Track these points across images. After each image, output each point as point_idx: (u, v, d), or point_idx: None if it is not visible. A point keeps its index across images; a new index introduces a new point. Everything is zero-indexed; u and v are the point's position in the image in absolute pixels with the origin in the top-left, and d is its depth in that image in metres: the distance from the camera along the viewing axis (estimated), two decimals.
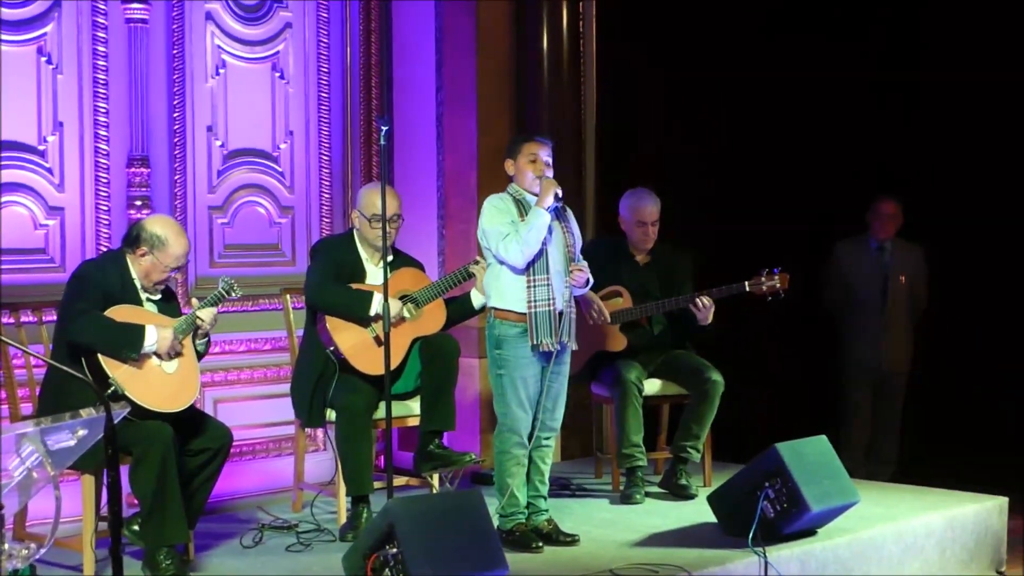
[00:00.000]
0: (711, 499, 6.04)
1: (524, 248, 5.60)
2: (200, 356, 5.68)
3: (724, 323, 6.74)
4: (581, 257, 5.83)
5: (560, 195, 5.69)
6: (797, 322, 8.22)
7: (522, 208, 5.72)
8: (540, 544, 5.74)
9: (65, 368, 3.71)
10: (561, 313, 5.69)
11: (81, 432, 3.32)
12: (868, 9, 8.25)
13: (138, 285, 5.50)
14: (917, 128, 8.31)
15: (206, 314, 5.53)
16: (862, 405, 8.12)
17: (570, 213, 5.89)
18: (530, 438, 5.78)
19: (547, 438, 5.85)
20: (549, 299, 5.65)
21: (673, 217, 6.98)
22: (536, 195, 5.72)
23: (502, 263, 5.70)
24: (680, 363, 6.84)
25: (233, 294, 5.59)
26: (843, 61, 8.25)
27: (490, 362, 5.80)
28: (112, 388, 5.16)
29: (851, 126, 8.39)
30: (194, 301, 5.65)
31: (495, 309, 5.75)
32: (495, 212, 5.72)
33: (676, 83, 8.27)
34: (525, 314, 5.66)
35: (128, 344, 5.29)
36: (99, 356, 5.26)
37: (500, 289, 5.74)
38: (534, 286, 5.65)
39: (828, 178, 8.33)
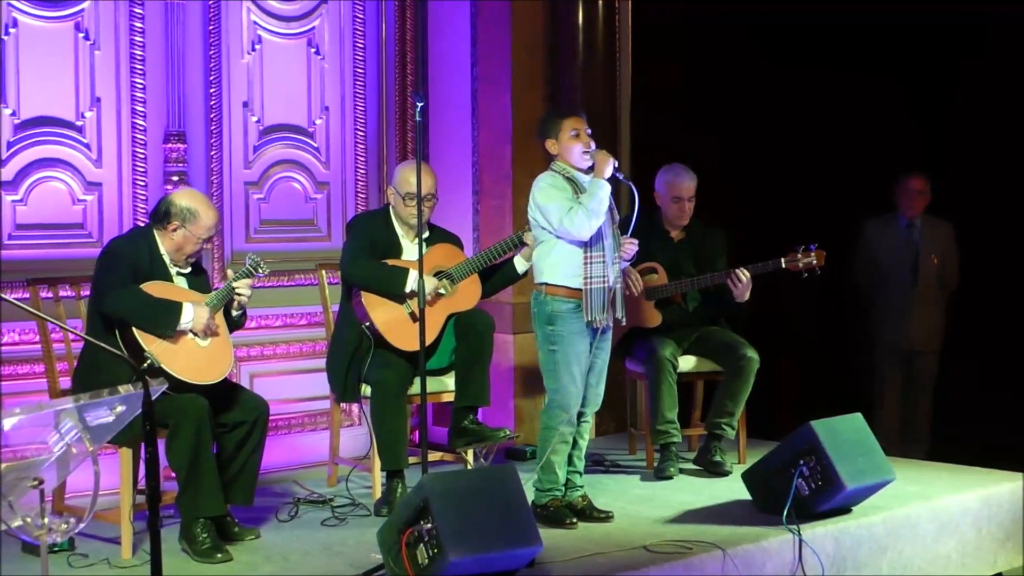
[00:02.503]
0: (745, 476, 6.04)
1: (591, 219, 5.54)
2: (238, 327, 5.71)
3: (758, 300, 6.72)
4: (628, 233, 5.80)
5: (617, 165, 5.67)
6: (832, 299, 8.19)
7: (575, 186, 5.68)
8: (574, 520, 5.75)
9: (103, 345, 3.74)
10: (612, 289, 5.68)
11: (119, 408, 3.35)
12: None
13: (167, 260, 5.53)
14: (945, 103, 8.25)
15: (243, 287, 5.56)
16: (893, 383, 8.10)
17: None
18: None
19: (588, 415, 5.85)
20: (604, 276, 5.63)
21: (706, 193, 6.96)
22: (583, 171, 5.69)
23: (560, 238, 5.63)
24: (715, 339, 6.83)
25: (260, 271, 5.61)
26: (871, 38, 8.20)
27: (541, 339, 5.74)
28: (148, 361, 5.21)
29: (879, 103, 8.34)
30: (229, 272, 5.66)
31: (547, 285, 5.70)
32: (551, 189, 5.66)
33: (710, 58, 8.23)
34: (579, 290, 5.63)
35: (164, 321, 5.34)
36: (134, 330, 5.30)
37: (554, 265, 5.69)
38: (591, 263, 5.62)
39: (856, 155, 8.28)
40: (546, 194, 5.65)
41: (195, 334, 5.43)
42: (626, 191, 7.75)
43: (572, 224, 5.56)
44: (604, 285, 5.63)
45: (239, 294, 5.56)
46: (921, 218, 8.05)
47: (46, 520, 3.18)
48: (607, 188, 5.59)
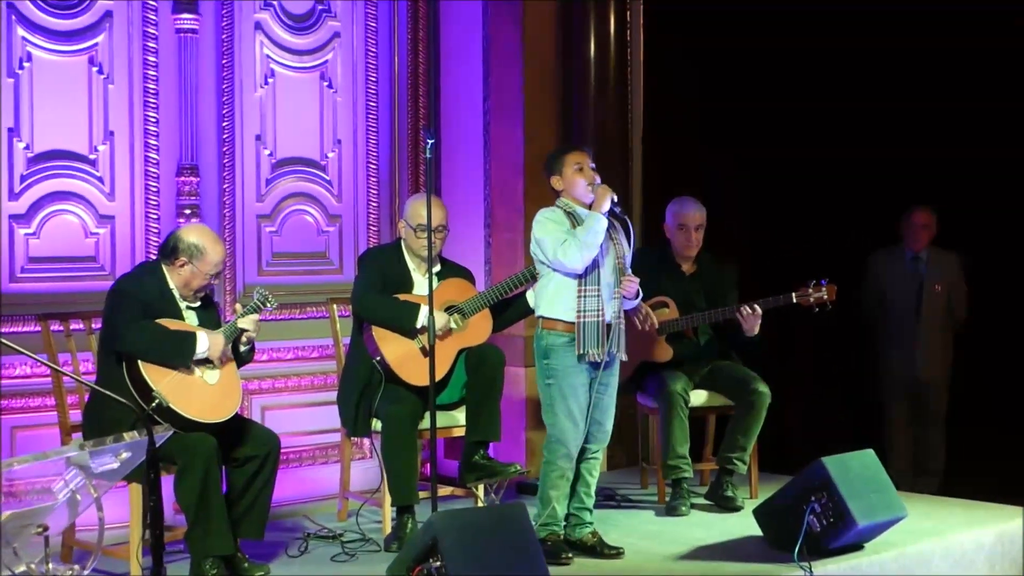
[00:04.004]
0: (757, 512, 6.01)
1: (583, 251, 5.55)
2: (246, 362, 5.72)
3: (768, 334, 6.70)
4: (629, 270, 5.80)
5: (616, 199, 5.67)
6: (843, 333, 8.17)
7: (574, 220, 5.69)
8: (570, 555, 5.70)
9: (106, 392, 3.74)
10: (609, 325, 5.66)
11: (125, 455, 3.36)
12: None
13: (176, 295, 5.55)
14: (949, 135, 8.23)
15: (250, 323, 5.57)
16: (901, 416, 8.07)
17: (619, 226, 5.83)
18: (579, 450, 5.75)
19: (595, 450, 5.83)
20: (598, 310, 5.62)
21: (718, 228, 6.95)
22: (587, 206, 5.70)
23: (556, 271, 5.66)
24: (726, 374, 6.81)
25: (268, 305, 5.62)
26: (874, 83, 8.19)
27: (539, 372, 5.77)
28: (156, 401, 5.21)
29: (884, 136, 8.32)
30: (237, 307, 5.68)
31: (543, 319, 5.73)
32: (548, 223, 5.69)
33: (723, 91, 8.23)
34: (573, 323, 5.63)
35: (181, 351, 5.35)
36: (142, 369, 5.30)
37: (549, 298, 5.71)
38: (584, 296, 5.62)
39: (862, 188, 8.27)
40: (542, 227, 5.68)
41: (212, 364, 5.44)
42: (637, 227, 7.75)
43: (565, 256, 5.57)
44: (598, 319, 5.61)
45: (245, 330, 5.57)
46: (927, 250, 8.04)
47: (50, 567, 3.18)
48: (603, 222, 5.59)
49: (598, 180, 5.74)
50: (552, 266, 5.67)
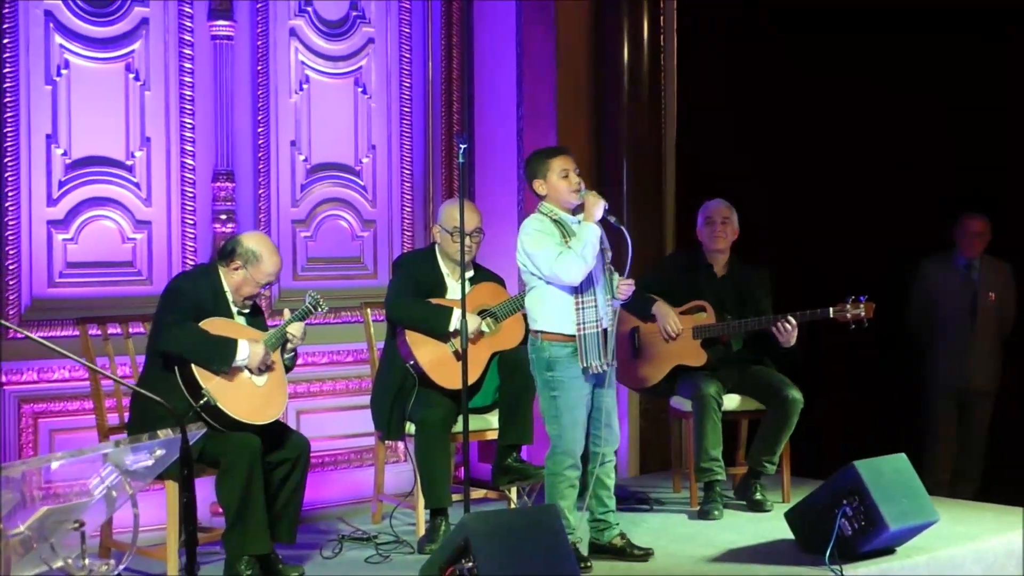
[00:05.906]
0: (789, 516, 6.01)
1: (583, 265, 5.44)
2: (288, 370, 5.76)
3: (803, 338, 6.69)
4: (618, 274, 5.70)
5: (608, 207, 5.58)
6: (879, 339, 8.13)
7: (562, 228, 5.59)
8: (589, 564, 5.66)
9: (146, 393, 3.80)
10: (606, 331, 5.57)
11: (159, 452, 3.41)
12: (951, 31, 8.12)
13: (230, 298, 5.61)
14: (1004, 142, 8.18)
15: (296, 329, 5.63)
16: (947, 424, 8.00)
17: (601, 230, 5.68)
18: (586, 457, 5.68)
19: (610, 454, 5.76)
20: (597, 320, 5.53)
21: (754, 234, 6.96)
22: (570, 212, 5.62)
23: (550, 283, 5.55)
24: (759, 379, 6.81)
25: (320, 309, 5.68)
26: (923, 82, 8.15)
27: (541, 384, 5.65)
28: (205, 399, 5.29)
29: (935, 142, 8.28)
30: (286, 312, 5.73)
31: (542, 332, 5.60)
32: (539, 235, 5.57)
33: (759, 93, 8.22)
34: (573, 335, 5.54)
35: (220, 357, 5.40)
36: (193, 367, 5.37)
37: (547, 312, 5.59)
38: (583, 308, 5.52)
39: (913, 195, 8.22)
40: (534, 240, 5.56)
41: (251, 371, 5.49)
42: (671, 234, 7.77)
43: (562, 270, 5.46)
44: (597, 329, 5.53)
45: (291, 334, 5.62)
46: (980, 258, 7.95)
47: (87, 562, 3.23)
48: (596, 231, 5.49)
49: (583, 187, 5.64)
50: (547, 279, 5.55)
